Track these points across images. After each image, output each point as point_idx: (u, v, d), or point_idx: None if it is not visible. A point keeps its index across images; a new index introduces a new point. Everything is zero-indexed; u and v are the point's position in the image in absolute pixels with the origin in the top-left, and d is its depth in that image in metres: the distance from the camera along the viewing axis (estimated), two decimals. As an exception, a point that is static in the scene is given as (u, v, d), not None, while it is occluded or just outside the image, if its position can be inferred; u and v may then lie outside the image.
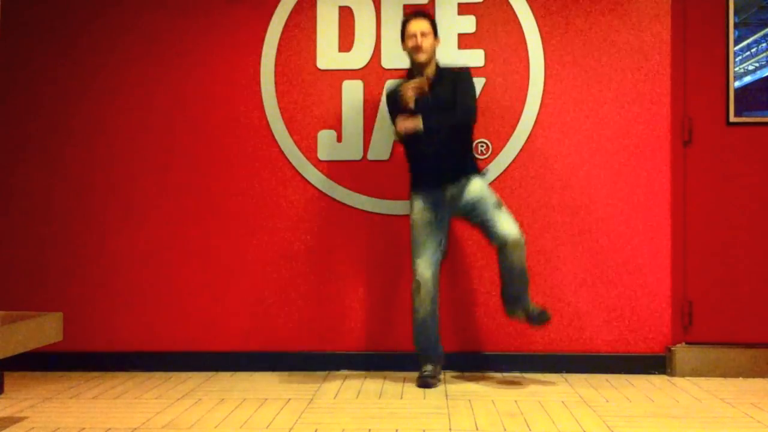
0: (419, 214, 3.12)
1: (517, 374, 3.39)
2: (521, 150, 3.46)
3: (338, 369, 3.46)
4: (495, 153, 3.46)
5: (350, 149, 3.50)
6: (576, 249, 3.43)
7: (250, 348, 3.50)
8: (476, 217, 3.10)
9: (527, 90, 3.46)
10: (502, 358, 3.42)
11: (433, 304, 3.08)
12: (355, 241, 3.49)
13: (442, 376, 3.27)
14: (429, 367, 3.16)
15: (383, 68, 3.48)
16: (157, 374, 3.43)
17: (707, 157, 3.43)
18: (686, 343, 3.41)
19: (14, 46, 3.58)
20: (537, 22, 3.46)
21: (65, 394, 3.05)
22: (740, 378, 3.32)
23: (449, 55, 3.43)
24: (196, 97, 3.55)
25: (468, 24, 3.47)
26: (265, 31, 3.53)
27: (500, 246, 3.04)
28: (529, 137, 3.46)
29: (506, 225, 3.04)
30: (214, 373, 3.44)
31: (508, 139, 3.46)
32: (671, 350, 3.37)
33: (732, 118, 3.41)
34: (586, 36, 3.46)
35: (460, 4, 3.48)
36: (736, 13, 3.45)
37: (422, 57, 3.07)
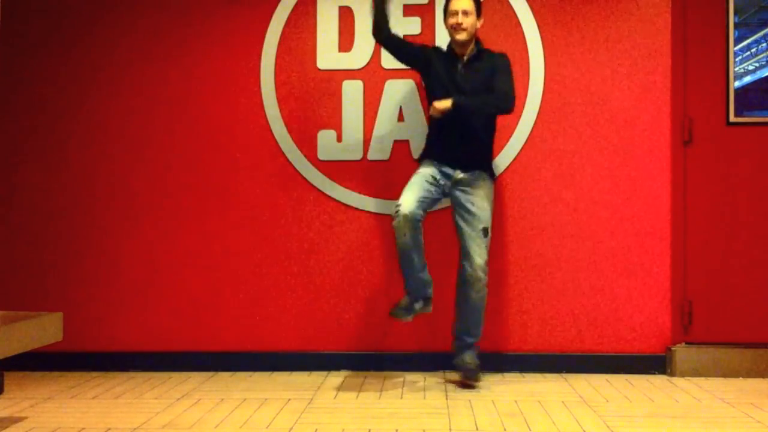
0: (424, 170, 3.09)
1: (517, 374, 3.39)
2: (521, 150, 3.46)
3: (338, 369, 3.46)
4: (495, 153, 3.46)
5: (350, 149, 3.50)
6: (576, 248, 3.43)
7: (250, 348, 3.50)
8: (461, 221, 3.09)
9: (527, 90, 3.46)
10: (502, 358, 3.42)
11: (414, 232, 2.95)
12: (355, 241, 3.49)
13: (416, 312, 3.07)
14: (404, 300, 3.05)
15: (383, 68, 3.47)
16: (157, 374, 3.43)
17: (707, 157, 3.43)
18: (686, 343, 3.41)
19: (14, 46, 3.58)
20: (537, 22, 3.46)
21: (65, 394, 3.05)
22: (740, 378, 3.32)
23: (449, 55, 3.44)
24: (196, 97, 3.55)
25: (468, 24, 3.47)
26: (265, 31, 3.53)
27: (464, 270, 3.06)
28: (529, 137, 3.46)
29: (479, 257, 3.04)
30: (214, 373, 3.44)
31: (508, 139, 3.46)
32: (671, 350, 3.37)
33: (732, 118, 3.41)
34: (587, 36, 3.46)
35: (460, 4, 3.48)
36: (736, 13, 3.45)
37: (463, 36, 3.05)
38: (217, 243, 3.52)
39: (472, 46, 3.12)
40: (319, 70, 3.52)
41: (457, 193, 3.11)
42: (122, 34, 3.57)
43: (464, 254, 3.08)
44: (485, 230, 3.07)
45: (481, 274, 3.04)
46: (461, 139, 3.08)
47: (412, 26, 3.47)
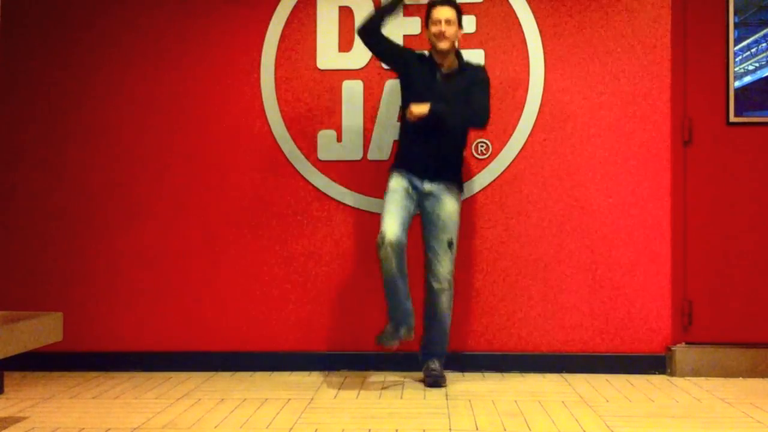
0: (396, 184, 3.07)
1: (517, 374, 3.39)
2: (521, 150, 3.46)
3: (338, 369, 3.46)
4: (495, 153, 3.46)
5: (350, 149, 3.50)
6: (576, 248, 3.43)
7: (250, 348, 3.50)
8: (427, 231, 3.11)
9: (527, 90, 3.46)
10: (502, 358, 3.42)
11: (400, 260, 2.96)
12: (355, 241, 3.49)
13: (400, 340, 3.07)
14: (388, 327, 3.05)
15: (383, 68, 3.47)
16: (157, 374, 3.42)
17: (707, 157, 3.43)
18: (686, 343, 3.41)
19: (14, 46, 3.58)
20: (537, 22, 3.46)
21: (65, 394, 3.05)
22: (740, 378, 3.32)
23: (449, 55, 3.45)
24: (196, 97, 3.55)
25: (468, 24, 3.46)
26: (265, 31, 3.53)
27: (428, 282, 3.09)
28: (529, 137, 3.46)
29: (444, 268, 3.06)
30: (214, 373, 3.44)
31: (508, 139, 3.46)
32: (671, 350, 3.37)
33: (732, 118, 3.41)
34: (587, 36, 3.46)
35: (460, 5, 3.47)
36: (736, 13, 3.45)
37: (445, 45, 3.05)
38: (216, 243, 3.52)
39: (452, 57, 3.11)
40: (319, 70, 3.52)
41: (425, 204, 3.11)
42: (122, 34, 3.57)
43: (428, 266, 3.11)
44: (451, 242, 3.08)
45: (446, 285, 3.07)
46: (433, 150, 3.07)
47: (412, 26, 3.47)
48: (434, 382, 3.12)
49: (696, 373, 3.34)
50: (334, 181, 3.51)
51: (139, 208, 3.55)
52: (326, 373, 3.42)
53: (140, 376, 3.39)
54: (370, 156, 3.49)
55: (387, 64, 3.30)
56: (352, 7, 3.51)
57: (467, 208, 3.40)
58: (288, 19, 3.53)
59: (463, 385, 3.18)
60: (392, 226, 2.95)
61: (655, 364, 3.39)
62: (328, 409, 2.80)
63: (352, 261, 3.49)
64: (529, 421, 2.60)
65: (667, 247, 3.41)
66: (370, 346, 3.42)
